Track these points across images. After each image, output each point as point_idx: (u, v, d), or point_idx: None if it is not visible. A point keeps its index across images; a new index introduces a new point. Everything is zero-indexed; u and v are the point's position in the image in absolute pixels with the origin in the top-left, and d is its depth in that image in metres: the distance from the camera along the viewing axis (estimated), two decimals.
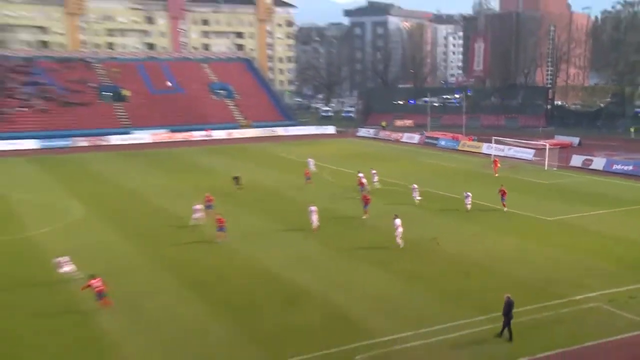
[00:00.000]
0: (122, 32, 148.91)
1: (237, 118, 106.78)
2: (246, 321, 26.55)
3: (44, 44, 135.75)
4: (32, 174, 65.76)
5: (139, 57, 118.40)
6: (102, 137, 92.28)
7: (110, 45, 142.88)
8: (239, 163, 71.23)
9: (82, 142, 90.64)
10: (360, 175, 53.50)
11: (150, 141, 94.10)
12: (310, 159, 65.02)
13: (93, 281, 27.31)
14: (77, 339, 25.11)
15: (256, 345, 24.30)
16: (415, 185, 49.07)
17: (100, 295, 27.16)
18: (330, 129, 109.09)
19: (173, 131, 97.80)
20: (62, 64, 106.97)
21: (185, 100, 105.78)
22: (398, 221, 36.56)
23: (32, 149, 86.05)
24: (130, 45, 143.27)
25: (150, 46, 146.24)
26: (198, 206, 42.45)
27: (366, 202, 43.74)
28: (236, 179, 54.82)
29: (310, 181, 56.77)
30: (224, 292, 29.96)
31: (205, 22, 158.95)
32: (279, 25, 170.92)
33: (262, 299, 29.05)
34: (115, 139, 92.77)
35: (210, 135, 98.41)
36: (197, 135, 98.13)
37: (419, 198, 47.97)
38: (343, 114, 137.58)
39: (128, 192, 55.20)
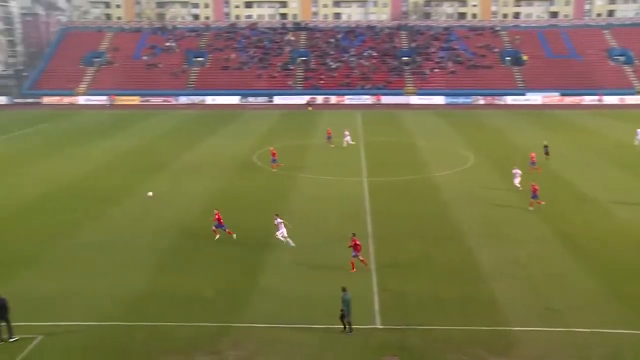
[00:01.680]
0: (529, 1, 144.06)
1: (635, 84, 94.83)
2: (614, 280, 24.22)
3: (461, 15, 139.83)
4: (437, 125, 69.19)
5: (540, 25, 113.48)
6: (499, 97, 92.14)
7: (517, 15, 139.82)
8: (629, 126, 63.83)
9: (481, 100, 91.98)
10: None
11: (541, 103, 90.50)
12: (638, 130, 54.04)
13: (356, 239, 25.22)
14: (451, 267, 26.11)
15: (622, 305, 21.97)
16: None
17: (356, 251, 25.09)
18: None
19: (564, 95, 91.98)
20: (473, 31, 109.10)
21: (579, 66, 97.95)
22: None
23: (439, 104, 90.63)
24: (534, 14, 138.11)
25: (554, 14, 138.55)
26: (517, 170, 38.58)
27: None
28: (546, 147, 47.43)
29: None
30: (594, 249, 27.73)
31: None
32: None
33: (634, 263, 26.09)
34: (509, 99, 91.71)
35: (601, 101, 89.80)
36: (588, 99, 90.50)
37: None
38: None
39: (513, 146, 54.32)
